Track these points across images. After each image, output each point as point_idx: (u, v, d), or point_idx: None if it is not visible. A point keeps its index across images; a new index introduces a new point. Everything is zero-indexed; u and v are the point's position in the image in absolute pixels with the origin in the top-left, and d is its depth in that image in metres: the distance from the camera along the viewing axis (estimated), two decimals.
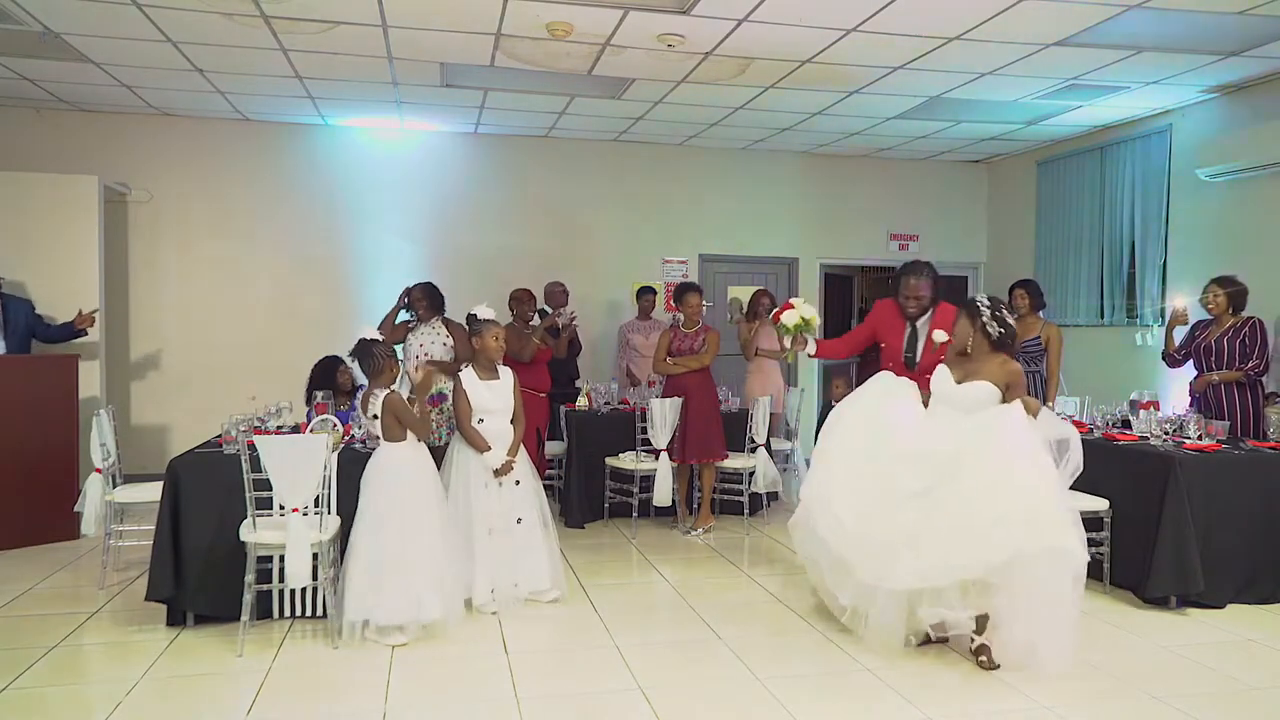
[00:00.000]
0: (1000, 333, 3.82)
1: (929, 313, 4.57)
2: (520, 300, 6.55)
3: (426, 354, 5.85)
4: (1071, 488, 4.83)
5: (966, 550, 3.51)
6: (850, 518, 3.85)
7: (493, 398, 4.44)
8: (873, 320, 4.84)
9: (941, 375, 3.97)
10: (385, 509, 3.95)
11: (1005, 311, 3.87)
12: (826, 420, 4.34)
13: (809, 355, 4.75)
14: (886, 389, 4.19)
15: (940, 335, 4.41)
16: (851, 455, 4.03)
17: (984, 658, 3.70)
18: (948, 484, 3.65)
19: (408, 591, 3.89)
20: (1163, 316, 7.05)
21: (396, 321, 6.11)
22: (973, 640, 3.74)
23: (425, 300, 5.96)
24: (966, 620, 3.65)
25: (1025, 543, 3.47)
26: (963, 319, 3.92)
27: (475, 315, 4.56)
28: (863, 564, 3.77)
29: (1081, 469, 3.80)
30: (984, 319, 3.82)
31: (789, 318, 4.66)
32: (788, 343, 4.71)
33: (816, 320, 4.71)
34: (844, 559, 3.87)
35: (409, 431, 4.08)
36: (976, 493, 3.56)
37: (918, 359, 4.57)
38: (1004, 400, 3.79)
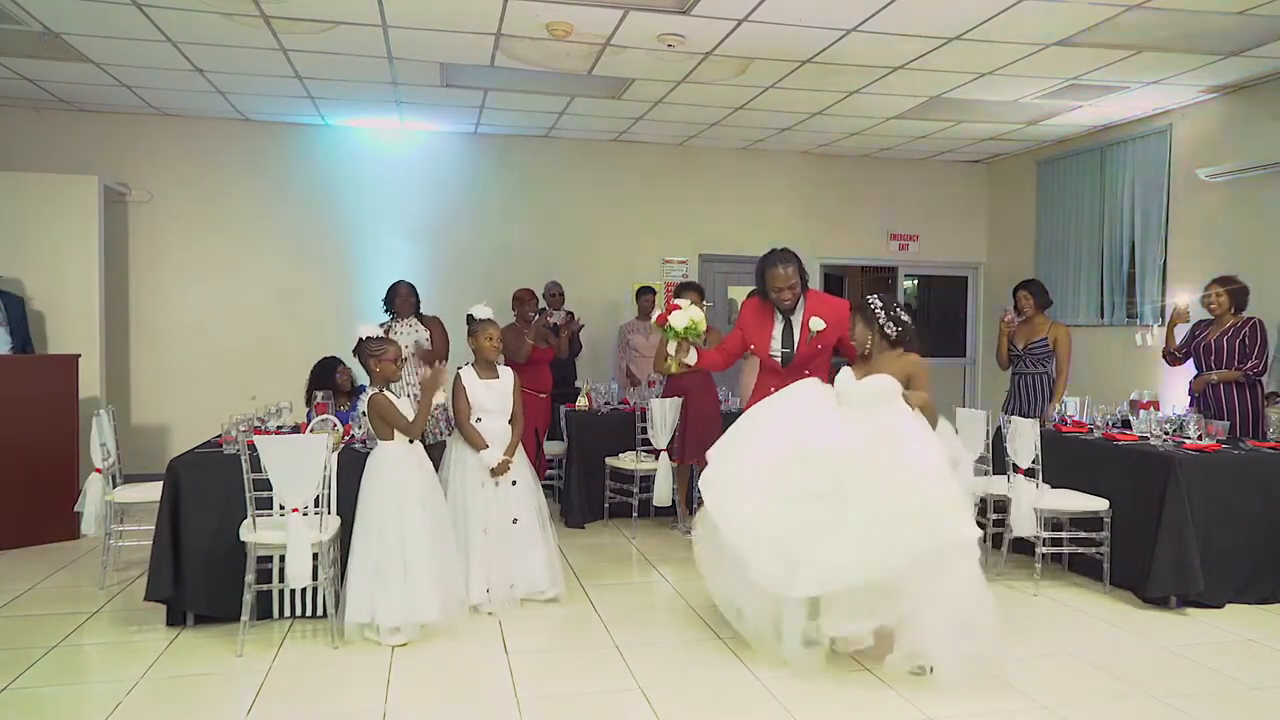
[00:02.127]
0: (898, 331, 3.81)
1: (801, 301, 4.34)
2: (522, 300, 6.57)
3: (410, 352, 6.00)
4: (1072, 488, 4.89)
5: (868, 553, 3.41)
6: (752, 520, 3.64)
7: (491, 397, 4.44)
8: (741, 322, 4.53)
9: (844, 376, 3.89)
10: (378, 508, 3.96)
11: (899, 309, 3.84)
12: (735, 423, 4.07)
13: (689, 364, 4.41)
14: (802, 393, 3.94)
15: (817, 323, 4.25)
16: (756, 456, 3.79)
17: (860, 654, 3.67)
18: (848, 485, 3.54)
19: (404, 591, 3.89)
20: (1163, 316, 7.06)
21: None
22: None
23: (414, 299, 6.16)
24: (867, 634, 3.59)
25: (926, 541, 3.39)
26: (859, 323, 3.87)
27: (472, 315, 4.57)
28: (761, 569, 3.57)
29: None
30: (880, 322, 3.80)
31: (677, 319, 4.26)
32: (672, 349, 4.32)
33: (703, 325, 4.35)
34: (745, 564, 3.64)
35: (395, 430, 4.07)
36: (876, 494, 3.48)
37: (794, 353, 4.31)
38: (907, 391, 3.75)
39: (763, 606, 3.71)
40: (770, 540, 3.57)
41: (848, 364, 4.04)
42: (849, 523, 3.48)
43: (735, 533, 3.65)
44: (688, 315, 4.27)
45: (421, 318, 6.19)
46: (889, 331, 3.82)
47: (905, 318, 3.86)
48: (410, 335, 6.07)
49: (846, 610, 3.53)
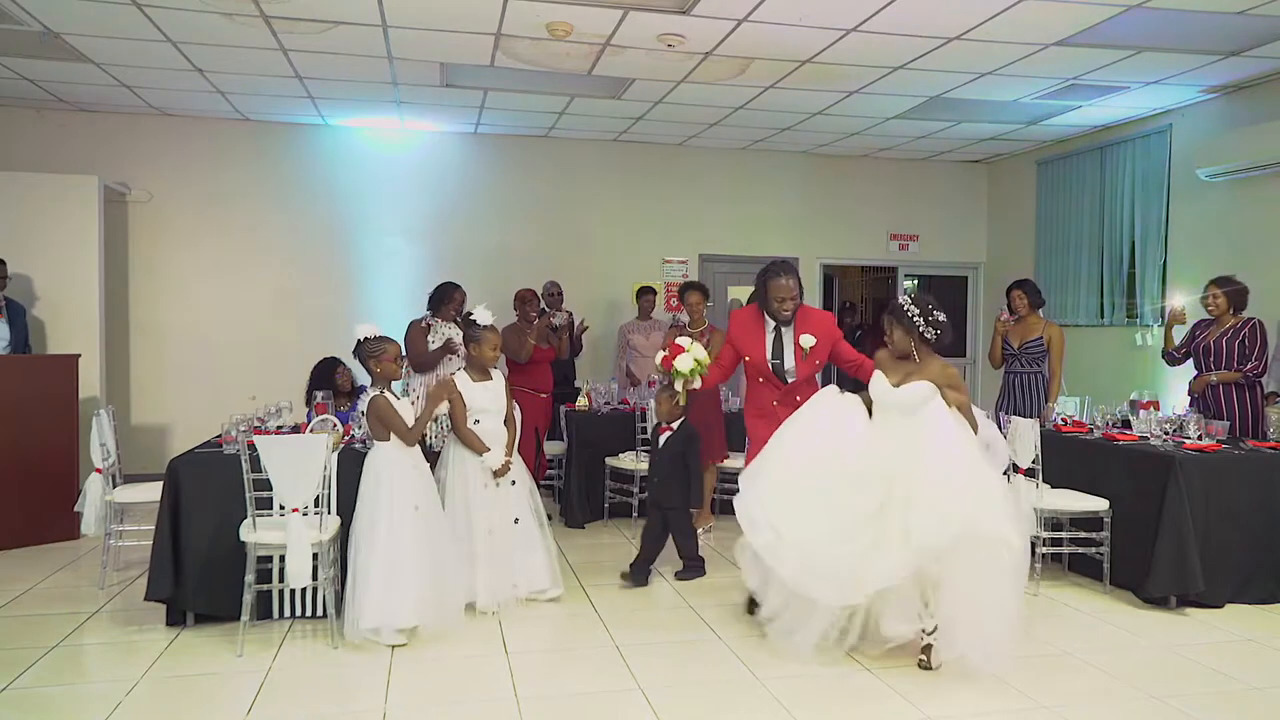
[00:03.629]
0: (937, 334, 3.78)
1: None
2: (524, 300, 6.57)
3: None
4: (1072, 488, 4.89)
5: (905, 545, 3.49)
6: (796, 539, 3.68)
7: (488, 399, 4.44)
8: (732, 335, 4.51)
9: (878, 380, 3.87)
10: (375, 511, 3.94)
11: (934, 309, 3.79)
12: (770, 441, 4.00)
13: (695, 388, 4.45)
14: (833, 405, 3.93)
15: (808, 340, 4.27)
16: (793, 474, 3.79)
17: (924, 657, 3.69)
18: (891, 497, 3.61)
19: (409, 593, 3.89)
20: (1163, 316, 7.06)
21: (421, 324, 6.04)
22: (922, 638, 3.70)
23: (463, 306, 6.00)
24: (928, 629, 3.66)
25: (960, 528, 3.44)
26: (897, 329, 3.81)
27: (474, 320, 4.55)
28: (820, 588, 3.62)
29: (1004, 468, 3.86)
30: (920, 327, 3.76)
31: (683, 363, 4.28)
32: (679, 386, 4.36)
33: (707, 361, 4.38)
34: (793, 583, 3.68)
35: (392, 433, 4.06)
36: (915, 496, 3.54)
37: (786, 367, 4.31)
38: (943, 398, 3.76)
39: (809, 616, 3.73)
40: (828, 570, 3.61)
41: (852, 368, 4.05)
42: (891, 529, 3.56)
43: (795, 573, 3.67)
44: (691, 357, 4.33)
45: (459, 323, 6.09)
46: (928, 336, 3.77)
47: (942, 317, 3.80)
48: (450, 335, 5.99)
49: (898, 611, 3.62)
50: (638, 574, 4.89)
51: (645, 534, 4.98)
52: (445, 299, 5.95)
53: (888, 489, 3.62)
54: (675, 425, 4.92)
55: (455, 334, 5.94)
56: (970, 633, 3.53)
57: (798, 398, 4.21)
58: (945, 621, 3.59)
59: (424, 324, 5.94)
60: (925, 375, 3.74)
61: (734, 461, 6.07)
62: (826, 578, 3.60)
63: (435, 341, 5.86)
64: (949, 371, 3.79)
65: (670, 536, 4.97)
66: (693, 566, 5.02)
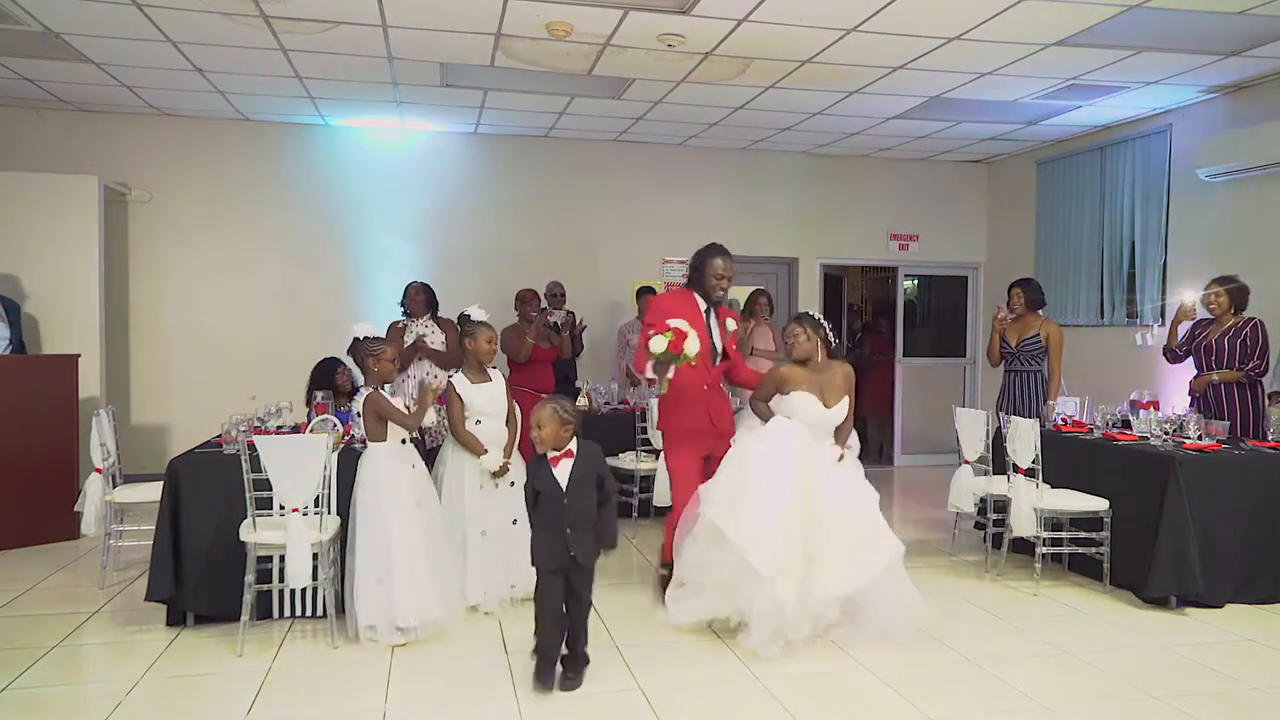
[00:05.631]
0: (835, 341, 4.37)
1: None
2: (524, 300, 6.58)
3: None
4: (1072, 488, 4.89)
5: (851, 571, 3.87)
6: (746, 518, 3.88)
7: (487, 401, 4.43)
8: (669, 316, 4.36)
9: (808, 402, 4.14)
10: (379, 511, 3.95)
11: (827, 322, 4.36)
12: (737, 452, 4.14)
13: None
14: (793, 435, 4.09)
15: (731, 324, 4.63)
16: (778, 504, 3.90)
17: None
18: (815, 510, 3.95)
19: (413, 591, 3.89)
20: (1163, 316, 7.06)
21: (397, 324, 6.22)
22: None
23: (424, 298, 6.22)
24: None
25: (882, 558, 3.93)
26: (806, 332, 4.24)
27: (468, 316, 4.55)
28: (762, 558, 3.80)
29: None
30: (825, 331, 4.28)
31: (691, 346, 4.11)
32: (670, 373, 4.24)
33: (694, 352, 4.22)
34: (753, 566, 3.79)
35: (389, 431, 4.05)
36: (837, 520, 3.94)
37: (718, 348, 4.57)
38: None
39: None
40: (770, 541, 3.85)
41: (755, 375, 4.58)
42: (828, 545, 3.88)
43: (745, 540, 3.85)
44: (695, 339, 4.16)
45: (438, 320, 6.22)
46: (831, 340, 4.30)
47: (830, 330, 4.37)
48: (428, 337, 6.13)
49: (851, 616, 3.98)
50: (555, 677, 3.49)
51: (548, 613, 3.44)
52: (408, 298, 6.24)
53: (809, 501, 3.95)
54: (574, 448, 3.58)
55: (428, 331, 6.14)
56: (888, 618, 3.94)
57: (721, 383, 4.58)
58: (865, 609, 3.94)
59: (400, 325, 6.18)
60: (839, 386, 4.22)
61: None
62: (769, 546, 3.81)
63: (408, 341, 6.08)
64: (846, 371, 4.29)
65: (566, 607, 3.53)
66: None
